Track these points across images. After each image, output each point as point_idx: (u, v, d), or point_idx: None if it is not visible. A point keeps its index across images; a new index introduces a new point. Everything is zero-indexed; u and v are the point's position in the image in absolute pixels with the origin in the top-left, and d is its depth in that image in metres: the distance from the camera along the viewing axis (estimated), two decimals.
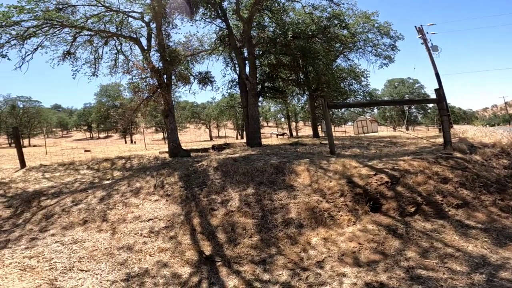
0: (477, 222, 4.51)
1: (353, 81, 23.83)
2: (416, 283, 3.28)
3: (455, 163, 5.66)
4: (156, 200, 5.64)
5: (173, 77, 9.53)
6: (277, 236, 4.58)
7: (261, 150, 8.92)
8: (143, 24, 10.07)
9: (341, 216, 4.87)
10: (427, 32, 19.25)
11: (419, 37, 19.29)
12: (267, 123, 69.94)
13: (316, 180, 5.68)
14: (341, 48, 19.45)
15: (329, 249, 4.17)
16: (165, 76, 9.18)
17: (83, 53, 10.59)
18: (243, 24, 12.23)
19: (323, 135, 27.10)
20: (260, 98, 17.08)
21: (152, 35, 9.78)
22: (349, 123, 53.91)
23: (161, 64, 9.02)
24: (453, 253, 3.79)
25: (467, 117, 63.93)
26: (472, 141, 7.10)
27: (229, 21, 12.62)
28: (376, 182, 5.34)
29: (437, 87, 17.95)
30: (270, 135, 46.65)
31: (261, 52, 13.97)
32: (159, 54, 9.22)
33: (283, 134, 41.55)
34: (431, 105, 43.79)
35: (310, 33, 13.33)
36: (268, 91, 15.00)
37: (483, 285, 3.13)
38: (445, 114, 6.74)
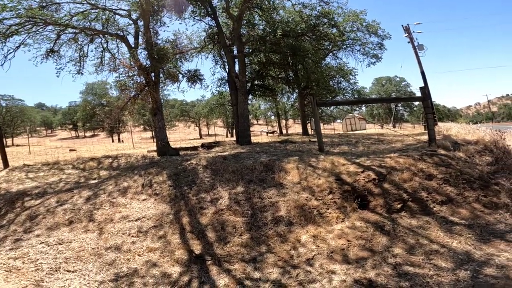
0: (461, 219, 4.59)
1: (342, 79, 24.04)
2: (404, 279, 3.32)
3: (439, 160, 5.76)
4: (144, 200, 5.58)
5: (161, 75, 9.41)
6: (267, 234, 4.60)
7: (250, 148, 8.92)
8: (130, 22, 9.90)
9: (330, 213, 4.91)
10: (414, 31, 19.63)
11: (406, 36, 19.63)
12: (257, 121, 69.89)
13: (305, 177, 5.71)
14: (330, 47, 19.56)
15: (318, 246, 4.21)
16: (152, 74, 9.07)
17: (68, 51, 10.37)
18: (233, 22, 12.17)
19: (312, 132, 27.27)
20: (250, 96, 17.07)
21: (140, 32, 9.63)
22: (338, 121, 54.50)
23: (148, 62, 8.90)
24: (438, 249, 3.85)
25: (451, 115, 65.44)
26: (456, 138, 7.23)
27: (219, 19, 12.53)
28: (364, 179, 5.41)
29: (423, 85, 18.33)
30: (260, 133, 46.63)
31: (250, 50, 13.94)
32: (146, 52, 9.09)
33: (273, 132, 41.65)
34: (416, 103, 44.69)
35: (299, 31, 13.36)
36: (258, 89, 14.98)
37: (467, 281, 3.17)
38: (430, 112, 6.86)
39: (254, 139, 14.65)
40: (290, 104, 33.14)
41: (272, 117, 55.48)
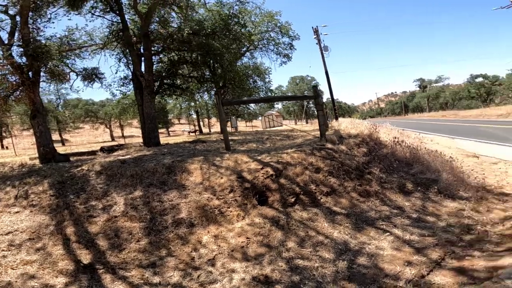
0: (342, 208, 5.04)
1: (258, 78, 24.94)
2: (295, 273, 3.56)
3: (326, 153, 6.30)
4: (17, 212, 4.92)
5: (42, 74, 8.22)
6: (168, 237, 4.49)
7: (157, 150, 8.50)
8: (5, 17, 8.38)
9: (231, 212, 5.00)
10: (321, 33, 21.69)
11: (315, 38, 21.56)
12: (179, 120, 67.27)
13: (208, 177, 5.70)
14: (245, 48, 20.03)
15: (219, 246, 4.28)
16: (30, 73, 7.86)
17: None
18: (141, 20, 11.35)
19: (232, 130, 27.70)
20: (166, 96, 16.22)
21: (17, 28, 8.23)
22: (260, 118, 56.48)
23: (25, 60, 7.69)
24: (323, 240, 4.20)
25: (351, 111, 74.85)
26: (343, 132, 8.13)
27: (126, 15, 11.51)
28: (263, 176, 5.61)
29: (327, 84, 20.55)
30: (182, 132, 45.16)
31: (161, 49, 13.25)
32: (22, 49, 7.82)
33: (195, 131, 40.82)
34: (324, 100, 49.54)
35: (209, 30, 13.24)
36: (168, 89, 14.33)
37: (345, 272, 3.47)
38: (321, 109, 7.61)
39: (174, 139, 14.03)
40: (212, 103, 32.87)
41: (194, 116, 53.95)
